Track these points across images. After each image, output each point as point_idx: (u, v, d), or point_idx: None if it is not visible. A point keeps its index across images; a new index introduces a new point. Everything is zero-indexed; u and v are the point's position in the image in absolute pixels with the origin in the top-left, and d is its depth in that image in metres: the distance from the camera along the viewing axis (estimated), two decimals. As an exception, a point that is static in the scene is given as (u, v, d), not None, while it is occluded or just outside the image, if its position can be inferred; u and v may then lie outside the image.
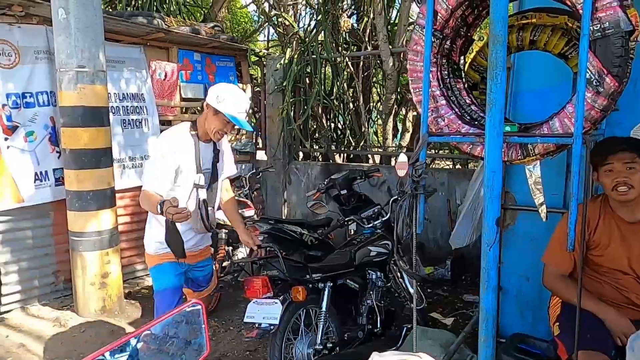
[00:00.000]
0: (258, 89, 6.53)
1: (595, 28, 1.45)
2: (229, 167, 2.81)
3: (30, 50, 3.99)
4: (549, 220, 2.67)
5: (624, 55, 1.44)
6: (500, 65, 1.50)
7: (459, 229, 2.84)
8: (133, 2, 6.39)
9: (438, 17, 1.75)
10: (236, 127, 2.61)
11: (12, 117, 3.89)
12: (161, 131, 5.11)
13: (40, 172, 4.05)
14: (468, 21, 1.90)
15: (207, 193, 2.61)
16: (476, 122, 1.86)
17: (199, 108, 5.80)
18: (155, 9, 6.17)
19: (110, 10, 6.12)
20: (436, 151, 6.17)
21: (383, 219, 3.46)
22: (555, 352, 2.28)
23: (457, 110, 1.84)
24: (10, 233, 3.94)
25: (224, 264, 4.18)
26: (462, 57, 2.06)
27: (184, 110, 5.61)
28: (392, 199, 3.48)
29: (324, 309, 2.81)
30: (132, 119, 4.74)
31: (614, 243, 2.09)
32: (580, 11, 1.47)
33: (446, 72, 1.91)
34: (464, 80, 2.04)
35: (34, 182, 4.01)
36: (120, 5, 6.38)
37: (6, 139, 3.84)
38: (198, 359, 0.97)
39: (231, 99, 2.39)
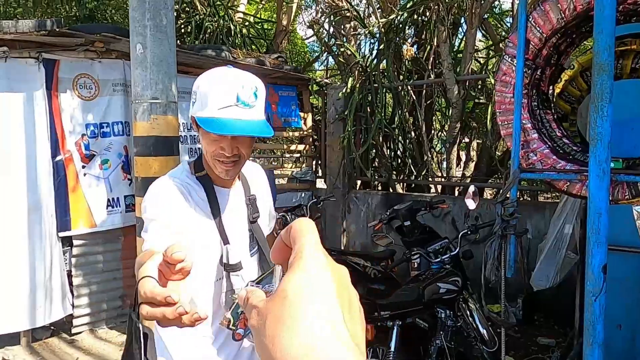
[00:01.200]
0: (319, 117, 6.56)
1: None
2: (265, 219, 1.61)
3: (108, 83, 4.21)
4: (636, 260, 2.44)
5: None
6: (606, 96, 1.37)
7: (541, 270, 2.64)
8: (201, 36, 6.67)
9: (530, 46, 1.65)
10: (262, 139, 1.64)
11: (90, 145, 4.09)
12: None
13: (113, 199, 4.21)
14: (560, 49, 1.78)
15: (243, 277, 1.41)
16: (570, 157, 1.72)
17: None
18: (221, 42, 6.41)
19: (179, 43, 6.42)
20: (504, 179, 5.90)
21: (452, 253, 3.29)
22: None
23: (549, 143, 1.71)
24: (82, 257, 4.09)
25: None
26: (550, 87, 1.93)
27: (247, 139, 5.72)
28: (461, 233, 3.32)
29: (392, 349, 2.67)
30: (199, 147, 4.88)
31: None
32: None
33: (535, 104, 1.79)
34: (553, 111, 1.90)
35: (107, 207, 4.16)
36: (189, 39, 6.68)
37: (83, 167, 4.04)
38: None
39: (211, 87, 1.31)
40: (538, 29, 1.61)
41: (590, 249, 1.40)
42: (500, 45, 5.70)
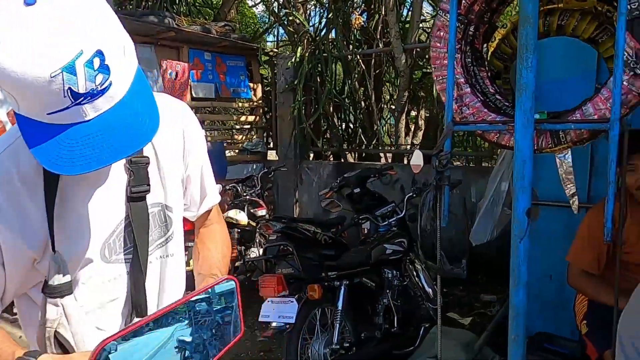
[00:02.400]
0: (269, 88, 6.48)
1: (632, 6, 1.38)
2: (204, 185, 1.18)
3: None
4: (571, 216, 2.59)
5: (664, 34, 1.37)
6: (531, 47, 1.43)
7: (479, 225, 2.77)
8: (143, 2, 6.38)
9: (462, 1, 1.68)
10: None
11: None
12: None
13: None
14: (492, 6, 1.83)
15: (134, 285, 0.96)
16: (502, 112, 1.79)
17: (209, 109, 5.80)
18: (165, 8, 6.16)
19: (120, 9, 6.12)
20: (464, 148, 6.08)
21: (398, 216, 3.39)
22: (584, 352, 2.20)
23: (482, 98, 1.77)
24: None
25: (237, 264, 4.13)
26: (484, 45, 1.99)
27: (195, 110, 5.58)
28: (407, 197, 3.41)
29: (340, 308, 2.74)
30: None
31: None
32: (616, -10, 1.40)
33: (469, 60, 1.84)
34: (487, 68, 1.97)
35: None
36: (131, 5, 6.38)
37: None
38: (232, 340, 0.89)
39: (14, 82, 0.66)
40: (469, -17, 1.64)
41: (515, 195, 1.47)
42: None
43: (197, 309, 0.84)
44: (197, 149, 1.10)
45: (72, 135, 0.71)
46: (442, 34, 1.72)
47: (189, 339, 0.80)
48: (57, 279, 0.83)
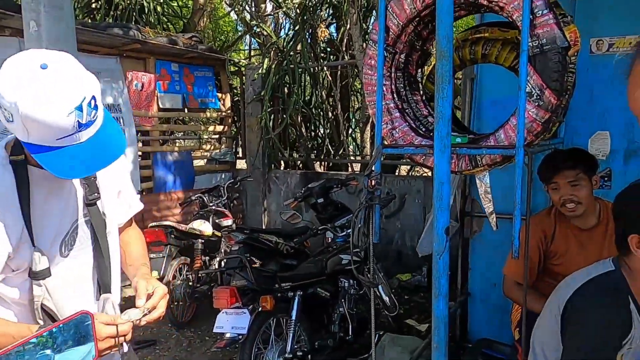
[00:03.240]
0: (237, 98, 6.56)
1: (534, 44, 1.52)
2: (124, 200, 1.43)
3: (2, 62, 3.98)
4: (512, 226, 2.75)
5: (562, 70, 1.51)
6: (446, 79, 1.55)
7: (426, 237, 2.90)
8: (112, 13, 6.40)
9: (390, 33, 1.81)
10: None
11: (-16, 129, 3.87)
12: (139, 141, 5.15)
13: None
14: (423, 35, 1.96)
15: (98, 268, 1.29)
16: (431, 134, 1.91)
17: (178, 119, 5.85)
18: (134, 20, 6.20)
19: (90, 21, 6.12)
20: (414, 159, 6.25)
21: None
22: (516, 356, 2.34)
23: (411, 122, 1.89)
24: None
25: (200, 274, 4.18)
26: (419, 70, 2.11)
27: (162, 121, 5.62)
28: (355, 212, 3.53)
29: (293, 317, 2.83)
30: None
31: (571, 250, 2.15)
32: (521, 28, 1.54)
33: (402, 85, 1.97)
34: (421, 92, 2.09)
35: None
36: (100, 16, 6.39)
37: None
38: None
39: (37, 114, 0.99)
40: (395, 17, 1.76)
41: (435, 214, 1.59)
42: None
43: (57, 339, 0.94)
44: (119, 170, 1.40)
45: (71, 153, 1.04)
46: (372, 62, 1.84)
47: None
48: (40, 266, 1.13)
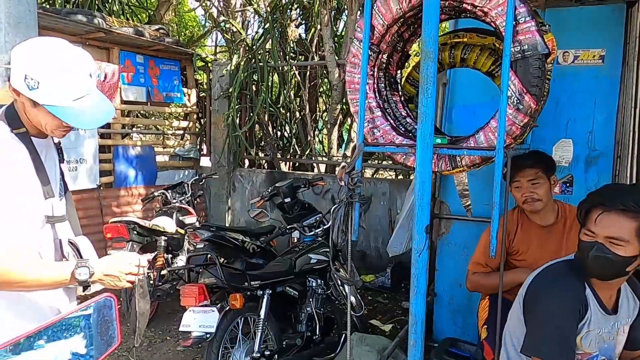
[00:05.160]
0: (203, 94, 6.44)
1: (515, 50, 1.56)
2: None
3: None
4: (479, 228, 2.82)
5: (541, 76, 1.56)
6: (431, 80, 1.57)
7: (396, 237, 2.93)
8: (73, 0, 6.14)
9: (375, 32, 1.82)
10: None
11: None
12: (100, 134, 4.95)
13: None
14: (404, 37, 1.99)
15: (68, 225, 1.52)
16: (410, 134, 1.94)
17: (141, 112, 5.67)
18: (96, 7, 5.96)
19: (48, 6, 5.85)
20: (379, 162, 6.32)
21: (324, 226, 3.50)
22: (482, 355, 2.40)
23: (392, 122, 1.91)
24: None
25: (163, 272, 4.07)
26: (399, 71, 2.14)
27: (125, 113, 5.44)
28: (332, 208, 3.54)
29: (262, 316, 2.79)
30: (68, 121, 4.54)
31: (533, 247, 2.28)
32: (504, 33, 1.58)
33: (383, 85, 1.98)
34: (400, 93, 2.12)
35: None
36: (59, 1, 6.12)
37: None
38: (108, 350, 0.98)
39: (62, 75, 1.29)
40: (381, 16, 1.78)
41: (415, 212, 1.61)
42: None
43: (78, 323, 0.90)
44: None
45: (83, 111, 1.32)
46: (356, 60, 1.85)
47: (73, 349, 0.85)
48: (57, 212, 1.43)
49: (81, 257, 1.44)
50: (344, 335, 3.25)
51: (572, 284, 1.54)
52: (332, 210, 3.18)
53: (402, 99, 2.11)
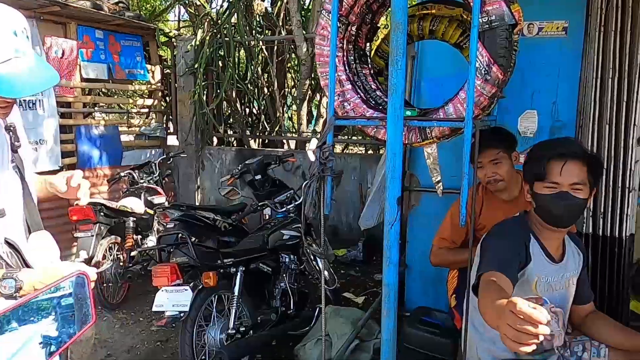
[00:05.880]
0: (168, 70, 6.25)
1: (483, 20, 1.57)
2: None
3: None
4: (448, 200, 2.88)
5: (508, 47, 1.58)
6: (400, 51, 1.57)
7: (367, 211, 2.96)
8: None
9: (344, 3, 1.79)
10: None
11: None
12: (60, 114, 4.75)
13: None
14: (373, 8, 1.96)
15: (26, 208, 1.39)
16: (380, 107, 1.94)
17: (103, 90, 5.47)
18: (50, -21, 5.65)
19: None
20: (349, 137, 6.33)
21: (296, 203, 3.50)
22: (453, 322, 2.48)
23: (362, 95, 1.90)
24: None
25: (132, 253, 4.00)
26: (368, 44, 2.12)
27: (85, 92, 5.23)
28: (304, 183, 3.54)
29: (236, 293, 2.80)
30: (24, 100, 4.33)
31: (498, 221, 2.32)
32: (471, 4, 1.58)
33: (352, 58, 1.96)
34: (369, 66, 2.10)
35: None
36: (8, -27, 5.76)
37: None
38: (83, 328, 0.95)
39: None
40: (349, -14, 1.75)
41: (387, 184, 1.62)
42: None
43: (50, 303, 0.87)
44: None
45: (14, 76, 1.13)
46: (325, 32, 1.82)
47: (44, 331, 0.83)
48: None
49: (22, 259, 1.27)
50: (318, 308, 3.30)
51: (518, 232, 1.69)
52: (303, 185, 3.19)
53: (372, 72, 2.10)
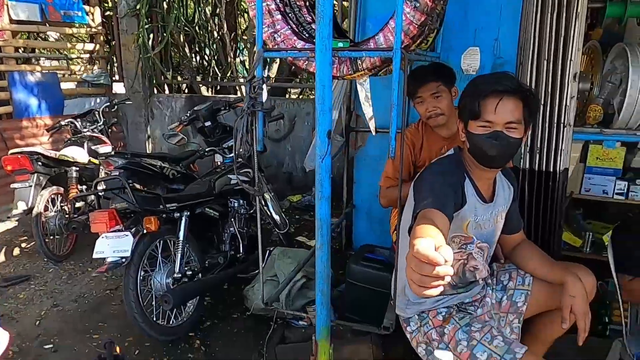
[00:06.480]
0: (109, 12, 5.87)
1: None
2: None
3: None
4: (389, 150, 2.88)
5: (437, -29, 1.53)
6: (326, -23, 1.49)
7: (313, 152, 2.95)
8: None
9: None
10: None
11: None
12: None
13: None
14: None
15: None
16: (314, 40, 1.87)
17: (39, 35, 5.10)
18: None
19: None
20: (305, 81, 6.22)
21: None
22: (394, 256, 2.55)
23: (294, 26, 1.83)
24: None
25: (77, 205, 3.88)
26: (302, -26, 2.02)
27: (17, 36, 4.87)
28: (235, 120, 3.46)
29: (181, 238, 2.77)
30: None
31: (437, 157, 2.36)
32: None
33: (284, -13, 1.87)
34: (305, -2, 2.01)
35: None
36: None
37: None
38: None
39: None
40: None
41: (317, 117, 1.59)
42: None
43: None
44: None
45: None
46: (251, -43, 1.71)
47: None
48: None
49: None
50: (268, 251, 3.33)
51: (454, 171, 1.65)
52: (235, 121, 3.13)
53: (307, 3, 2.01)
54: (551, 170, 2.73)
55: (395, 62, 1.57)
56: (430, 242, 0.94)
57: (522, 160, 2.72)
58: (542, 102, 2.63)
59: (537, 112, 1.64)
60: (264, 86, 1.73)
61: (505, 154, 1.58)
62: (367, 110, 1.81)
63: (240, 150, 1.74)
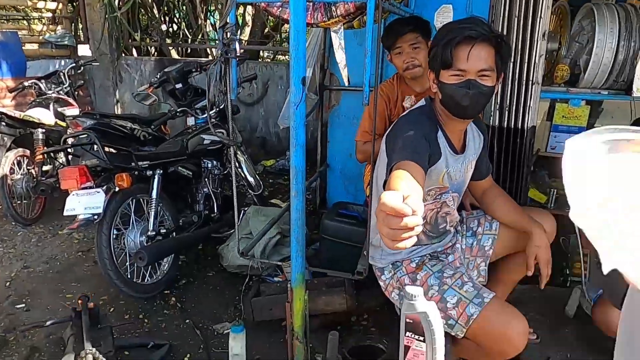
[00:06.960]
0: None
1: None
2: None
3: None
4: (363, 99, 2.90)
5: None
6: None
7: (286, 109, 2.94)
8: None
9: None
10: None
11: None
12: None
13: None
14: None
15: None
16: (288, -12, 1.84)
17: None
18: None
19: None
20: (279, 44, 6.13)
21: (217, 108, 3.40)
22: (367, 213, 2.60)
23: (267, -28, 1.79)
24: None
25: (45, 168, 3.78)
26: None
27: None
28: (210, 67, 3.41)
29: (154, 196, 2.75)
30: None
31: None
32: None
33: None
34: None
35: None
36: None
37: None
38: None
39: None
40: None
41: (292, 63, 1.59)
42: None
43: None
44: None
45: None
46: None
47: None
48: None
49: None
50: (243, 211, 3.34)
51: (426, 123, 1.63)
52: (208, 68, 3.09)
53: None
54: (519, 127, 2.81)
55: (369, 8, 1.57)
56: (397, 194, 0.91)
57: (491, 118, 2.79)
58: (512, 60, 2.69)
59: (508, 59, 1.61)
60: (238, 32, 1.70)
61: (478, 103, 1.55)
62: (341, 58, 1.81)
63: (216, 100, 1.72)
